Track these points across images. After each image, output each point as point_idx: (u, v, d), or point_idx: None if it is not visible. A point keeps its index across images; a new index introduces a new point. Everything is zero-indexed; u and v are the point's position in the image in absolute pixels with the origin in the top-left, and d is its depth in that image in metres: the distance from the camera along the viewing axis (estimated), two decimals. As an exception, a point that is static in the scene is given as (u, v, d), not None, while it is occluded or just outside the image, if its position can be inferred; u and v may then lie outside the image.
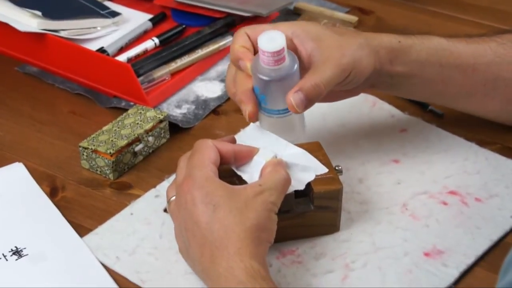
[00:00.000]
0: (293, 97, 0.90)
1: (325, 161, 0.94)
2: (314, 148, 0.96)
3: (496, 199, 0.99)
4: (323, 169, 0.93)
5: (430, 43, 0.99)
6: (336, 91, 0.97)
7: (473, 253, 0.92)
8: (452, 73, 1.00)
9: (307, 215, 0.92)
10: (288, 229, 0.92)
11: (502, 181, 1.01)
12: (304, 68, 0.94)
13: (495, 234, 0.94)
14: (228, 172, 0.90)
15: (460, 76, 1.01)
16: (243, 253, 0.80)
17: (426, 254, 0.92)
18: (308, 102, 0.91)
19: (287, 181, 0.88)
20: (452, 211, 0.97)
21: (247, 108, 0.93)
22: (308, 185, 0.91)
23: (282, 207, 0.88)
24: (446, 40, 1.00)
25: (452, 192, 1.00)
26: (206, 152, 0.87)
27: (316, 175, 0.92)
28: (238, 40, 0.94)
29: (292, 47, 0.94)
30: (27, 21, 1.22)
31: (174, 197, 0.88)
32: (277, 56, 0.89)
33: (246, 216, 0.82)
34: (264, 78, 0.91)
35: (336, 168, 0.94)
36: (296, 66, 0.92)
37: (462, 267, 0.90)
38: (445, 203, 0.99)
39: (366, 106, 1.15)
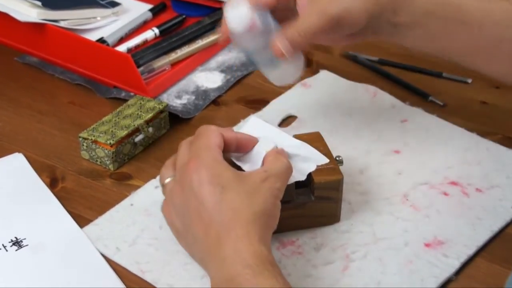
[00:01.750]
0: (278, 43, 0.91)
1: (325, 151, 0.94)
2: (315, 139, 0.96)
3: (497, 189, 0.99)
4: (324, 160, 0.93)
5: None
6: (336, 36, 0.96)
7: (474, 243, 0.92)
8: (457, 28, 0.97)
9: (307, 205, 0.92)
10: (288, 219, 0.92)
11: (503, 172, 1.01)
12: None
13: (496, 225, 0.94)
14: (228, 162, 0.90)
15: (465, 32, 0.97)
16: (252, 237, 0.80)
17: (427, 245, 0.92)
18: (293, 49, 0.91)
19: (290, 169, 0.88)
20: (453, 202, 0.97)
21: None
22: (309, 175, 0.91)
23: (283, 198, 0.88)
24: None
25: (453, 183, 1.00)
26: (212, 135, 0.87)
27: (317, 166, 0.92)
28: None
29: None
30: (27, 11, 1.21)
31: (170, 178, 0.88)
32: (249, 32, 0.92)
33: (254, 201, 0.82)
34: (245, 51, 1.00)
35: (337, 158, 0.94)
36: (271, 25, 0.93)
37: (463, 257, 0.90)
38: (446, 194, 0.98)
39: (367, 97, 1.15)
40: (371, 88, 1.16)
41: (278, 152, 0.89)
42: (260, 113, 1.13)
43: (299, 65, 0.97)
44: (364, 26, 0.94)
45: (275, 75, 0.99)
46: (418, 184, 1.00)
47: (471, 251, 0.91)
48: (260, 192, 0.83)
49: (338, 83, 1.18)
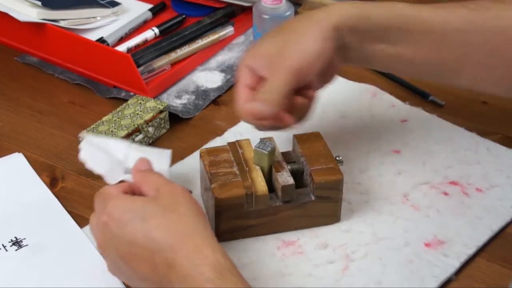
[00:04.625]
0: (245, 106, 0.91)
1: (325, 151, 0.94)
2: (314, 139, 0.96)
3: (497, 189, 0.99)
4: (166, 152, 0.96)
5: (393, 8, 0.95)
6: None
7: (474, 243, 0.92)
8: (418, 38, 0.95)
9: (308, 205, 0.92)
10: (289, 219, 0.92)
11: (503, 171, 1.01)
12: None
13: (496, 225, 0.94)
14: None
15: (427, 42, 0.96)
16: (204, 249, 0.77)
17: (427, 245, 0.92)
18: (261, 117, 0.91)
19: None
20: (453, 202, 0.97)
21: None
22: (309, 175, 0.91)
23: (283, 198, 0.89)
24: (409, 6, 0.95)
25: (453, 183, 1.00)
26: (109, 190, 0.85)
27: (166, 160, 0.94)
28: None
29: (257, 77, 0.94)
30: (27, 11, 1.21)
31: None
32: None
33: (180, 213, 0.80)
34: (263, 16, 1.13)
35: (337, 158, 0.94)
36: (289, 12, 1.14)
37: (463, 257, 0.90)
38: (446, 194, 0.98)
39: (366, 97, 1.15)
40: (371, 88, 1.16)
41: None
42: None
43: None
44: (329, 62, 0.94)
45: None
46: (418, 184, 1.00)
47: (471, 250, 0.91)
48: (177, 203, 0.81)
49: (337, 83, 1.17)
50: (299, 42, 0.93)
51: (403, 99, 1.14)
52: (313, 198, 0.92)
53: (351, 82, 1.17)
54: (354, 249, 0.91)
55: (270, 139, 0.94)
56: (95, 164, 0.95)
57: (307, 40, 0.92)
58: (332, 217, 0.95)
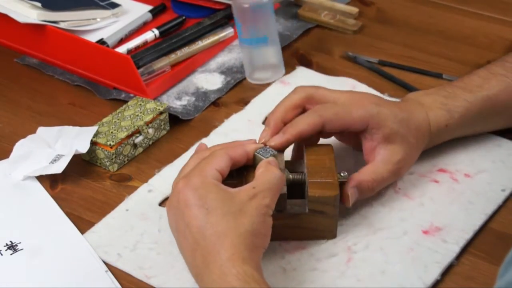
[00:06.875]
0: (350, 192, 0.92)
1: (330, 165, 0.91)
2: (324, 151, 0.93)
3: (485, 174, 1.00)
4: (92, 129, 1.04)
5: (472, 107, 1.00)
6: None
7: (471, 228, 0.92)
8: (489, 116, 1.02)
9: (301, 217, 0.91)
10: (282, 229, 0.90)
11: (488, 157, 1.02)
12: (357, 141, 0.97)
13: (489, 208, 0.95)
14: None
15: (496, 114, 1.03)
16: (235, 259, 0.79)
17: (425, 232, 0.92)
18: (359, 196, 0.93)
19: (281, 179, 0.87)
20: (444, 188, 0.98)
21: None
22: (307, 188, 0.90)
23: (276, 207, 0.87)
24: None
25: (442, 170, 1.00)
26: (215, 159, 0.87)
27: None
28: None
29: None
30: (27, 12, 1.22)
31: None
32: None
33: (240, 222, 0.81)
34: (242, 5, 1.13)
35: (341, 174, 0.92)
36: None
37: (462, 242, 0.91)
38: (436, 181, 0.99)
39: (345, 89, 1.13)
40: (350, 81, 1.16)
41: (269, 163, 0.88)
42: (243, 111, 1.13)
43: None
44: None
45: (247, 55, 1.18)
46: (407, 173, 0.99)
47: (468, 235, 0.91)
48: (246, 212, 0.82)
49: (315, 79, 1.17)
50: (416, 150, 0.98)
51: (382, 91, 1.14)
52: (306, 210, 0.90)
53: (328, 77, 1.18)
54: (355, 241, 0.92)
55: None
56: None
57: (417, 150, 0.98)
58: (327, 232, 0.92)
